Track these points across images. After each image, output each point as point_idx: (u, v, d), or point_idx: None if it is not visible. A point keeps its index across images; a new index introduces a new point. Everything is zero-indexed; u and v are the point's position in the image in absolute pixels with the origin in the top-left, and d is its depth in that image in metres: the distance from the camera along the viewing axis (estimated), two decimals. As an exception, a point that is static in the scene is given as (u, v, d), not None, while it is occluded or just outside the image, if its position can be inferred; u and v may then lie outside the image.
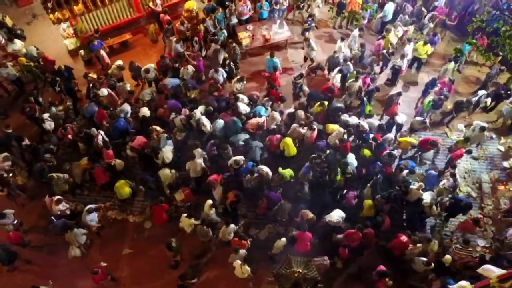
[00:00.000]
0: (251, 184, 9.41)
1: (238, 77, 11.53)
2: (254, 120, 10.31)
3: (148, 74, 11.52)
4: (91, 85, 11.31)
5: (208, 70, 12.00)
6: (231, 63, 12.00)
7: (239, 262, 8.19)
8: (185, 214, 8.94)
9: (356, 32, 12.64)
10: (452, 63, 12.03)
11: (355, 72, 11.58)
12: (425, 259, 8.29)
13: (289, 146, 9.81)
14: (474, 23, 7.29)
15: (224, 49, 12.90)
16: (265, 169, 9.42)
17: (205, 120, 10.10)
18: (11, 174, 9.95)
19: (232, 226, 8.68)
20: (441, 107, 11.26)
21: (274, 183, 9.57)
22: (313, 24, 13.51)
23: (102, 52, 12.08)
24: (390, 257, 8.84)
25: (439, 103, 11.03)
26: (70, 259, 9.08)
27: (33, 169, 9.95)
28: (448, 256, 8.30)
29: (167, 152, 9.68)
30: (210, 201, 9.01)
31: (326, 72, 12.52)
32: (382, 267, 8.15)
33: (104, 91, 10.85)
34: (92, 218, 9.16)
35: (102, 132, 10.22)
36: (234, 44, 12.22)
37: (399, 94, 11.06)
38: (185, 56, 12.05)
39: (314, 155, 9.56)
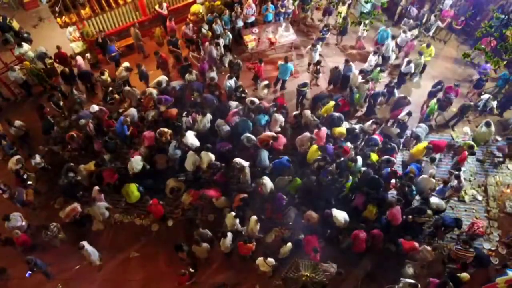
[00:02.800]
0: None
1: (266, 82, 11.44)
2: (264, 136, 10.10)
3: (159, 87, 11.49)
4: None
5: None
6: (242, 89, 11.79)
7: (261, 258, 8.32)
8: (234, 213, 8.89)
9: (390, 41, 12.56)
10: (423, 57, 12.17)
11: (378, 69, 11.64)
12: (412, 278, 8.17)
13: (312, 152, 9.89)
14: (483, 29, 7.32)
15: (230, 53, 13.02)
16: (266, 181, 9.36)
17: (190, 141, 9.94)
18: (28, 182, 10.01)
19: (230, 234, 8.70)
20: (446, 108, 11.31)
21: (278, 187, 9.59)
22: (328, 35, 13.49)
23: (80, 61, 12.04)
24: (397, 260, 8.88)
25: (445, 104, 11.12)
26: (94, 230, 9.66)
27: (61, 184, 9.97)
28: (465, 274, 8.13)
29: (136, 162, 9.64)
30: (255, 217, 8.89)
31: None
32: (435, 280, 8.07)
33: (95, 107, 10.81)
34: (95, 252, 8.93)
35: (91, 121, 10.57)
36: (237, 60, 12.19)
37: (408, 102, 11.08)
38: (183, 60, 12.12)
39: (318, 157, 9.62)
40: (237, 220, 8.85)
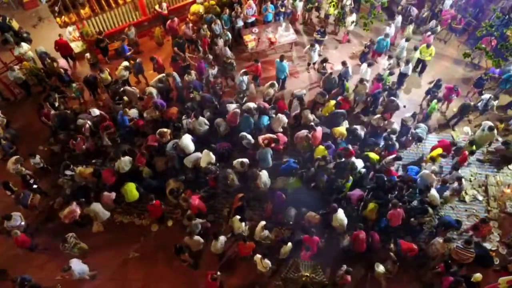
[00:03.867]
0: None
1: (270, 82, 11.43)
2: (267, 135, 10.10)
3: (161, 84, 11.45)
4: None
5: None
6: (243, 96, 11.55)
7: (259, 256, 8.27)
8: (238, 217, 8.85)
9: (403, 42, 12.57)
10: (418, 52, 12.18)
11: (388, 72, 11.64)
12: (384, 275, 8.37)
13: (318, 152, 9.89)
14: (483, 28, 7.30)
15: (230, 50, 12.98)
16: (262, 173, 9.34)
17: (184, 144, 9.88)
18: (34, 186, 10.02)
19: (222, 237, 8.68)
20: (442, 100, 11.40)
21: (277, 186, 9.59)
22: (325, 38, 13.44)
23: (62, 63, 11.98)
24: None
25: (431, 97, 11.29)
26: (94, 232, 9.43)
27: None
28: (478, 274, 8.19)
29: (124, 163, 9.61)
30: (263, 222, 8.78)
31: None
32: (450, 278, 8.07)
33: (95, 111, 10.79)
34: (83, 270, 8.62)
35: (89, 122, 10.50)
36: (230, 60, 12.07)
37: (396, 106, 10.97)
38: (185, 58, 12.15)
39: (319, 157, 9.60)
40: (243, 224, 8.80)
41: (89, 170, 9.86)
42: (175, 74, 11.53)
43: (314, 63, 12.96)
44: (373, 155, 10.04)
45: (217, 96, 11.48)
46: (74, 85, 11.73)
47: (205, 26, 12.70)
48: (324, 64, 12.16)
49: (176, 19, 13.03)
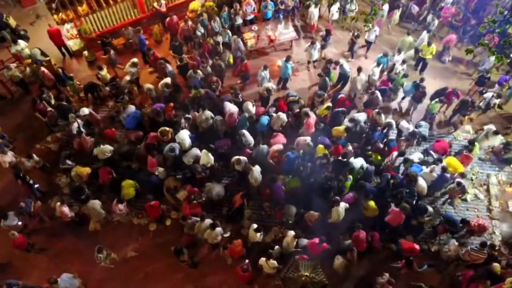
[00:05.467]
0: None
1: (266, 87, 11.25)
2: (275, 147, 9.86)
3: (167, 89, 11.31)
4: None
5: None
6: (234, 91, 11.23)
7: (263, 259, 8.19)
8: (255, 226, 8.61)
9: (424, 34, 12.46)
10: (410, 37, 12.13)
11: (402, 74, 11.49)
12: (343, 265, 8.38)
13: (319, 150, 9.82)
14: (486, 24, 7.24)
15: (230, 50, 12.88)
16: (255, 168, 9.23)
17: (180, 137, 9.89)
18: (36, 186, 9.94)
19: (219, 229, 8.60)
20: (421, 99, 11.30)
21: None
22: (330, 41, 13.28)
23: (43, 68, 11.69)
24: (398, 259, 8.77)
25: (419, 95, 11.22)
26: (91, 230, 9.53)
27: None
28: (496, 264, 8.19)
29: (104, 150, 9.69)
30: (292, 232, 8.65)
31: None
32: (470, 272, 8.09)
33: (85, 110, 10.64)
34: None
35: (79, 121, 10.36)
36: (219, 62, 11.92)
37: (376, 100, 10.90)
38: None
39: (320, 155, 9.51)
40: (259, 234, 8.58)
41: (87, 169, 9.76)
42: (168, 65, 11.49)
43: (314, 61, 12.86)
44: (377, 156, 9.99)
45: (214, 92, 11.37)
46: (71, 82, 11.57)
47: (202, 29, 12.63)
48: (329, 65, 11.96)
49: (175, 16, 12.92)
